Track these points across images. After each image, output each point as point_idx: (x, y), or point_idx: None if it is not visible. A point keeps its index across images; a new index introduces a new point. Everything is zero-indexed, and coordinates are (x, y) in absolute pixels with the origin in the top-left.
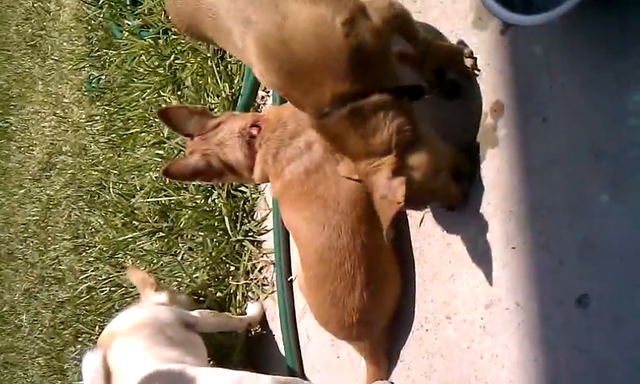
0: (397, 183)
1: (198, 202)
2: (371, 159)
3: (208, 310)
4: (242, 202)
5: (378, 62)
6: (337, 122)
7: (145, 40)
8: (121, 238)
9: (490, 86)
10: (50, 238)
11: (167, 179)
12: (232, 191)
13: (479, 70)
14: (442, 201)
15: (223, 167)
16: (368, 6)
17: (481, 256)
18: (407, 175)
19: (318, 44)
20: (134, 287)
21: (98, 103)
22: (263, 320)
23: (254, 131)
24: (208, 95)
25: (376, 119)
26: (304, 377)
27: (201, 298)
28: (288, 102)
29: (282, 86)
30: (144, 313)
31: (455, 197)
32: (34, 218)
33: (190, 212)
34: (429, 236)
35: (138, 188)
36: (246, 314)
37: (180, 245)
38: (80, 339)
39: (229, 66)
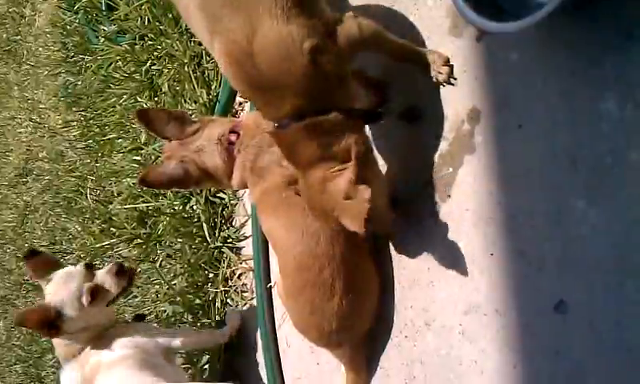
0: (362, 187)
1: (176, 208)
2: (330, 164)
3: (189, 329)
4: (220, 209)
5: (337, 86)
6: (294, 132)
7: (121, 46)
8: (98, 245)
9: (467, 92)
10: (27, 245)
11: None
12: (210, 198)
13: (455, 79)
14: (379, 225)
15: (201, 174)
16: (338, 31)
17: (459, 262)
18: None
19: (283, 64)
20: None
21: (74, 109)
22: (242, 327)
23: (233, 138)
24: (185, 101)
25: (334, 131)
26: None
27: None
28: None
29: (245, 92)
30: (127, 343)
31: (390, 223)
32: (11, 224)
33: (168, 218)
34: (407, 242)
35: (116, 194)
36: (224, 321)
37: (158, 251)
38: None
39: (206, 71)
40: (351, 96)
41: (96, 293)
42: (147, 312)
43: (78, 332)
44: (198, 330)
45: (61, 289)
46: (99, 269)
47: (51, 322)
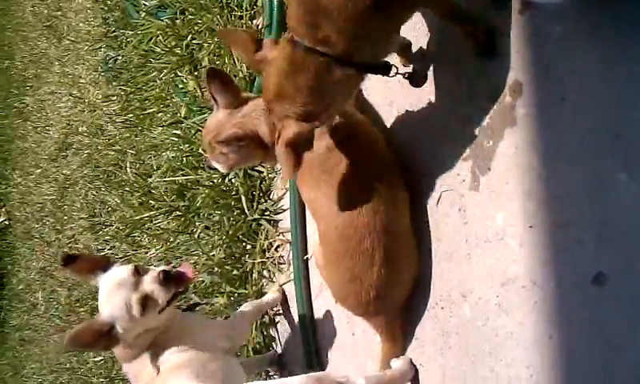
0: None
1: (215, 181)
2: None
3: (244, 306)
4: (258, 182)
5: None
6: (302, 54)
7: (162, 20)
8: (137, 217)
9: (509, 65)
10: (66, 218)
11: (184, 159)
12: (249, 171)
13: (496, 50)
14: None
15: (251, 138)
16: None
17: (497, 235)
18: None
19: None
20: (150, 266)
21: (114, 84)
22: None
23: None
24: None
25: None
26: (319, 356)
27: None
28: None
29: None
30: (185, 352)
31: None
32: (51, 198)
33: (207, 191)
34: (445, 215)
35: (155, 168)
36: (262, 293)
37: (197, 224)
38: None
39: None
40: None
41: (146, 303)
42: None
43: (134, 340)
44: (251, 302)
45: (110, 300)
46: (149, 266)
47: (106, 336)
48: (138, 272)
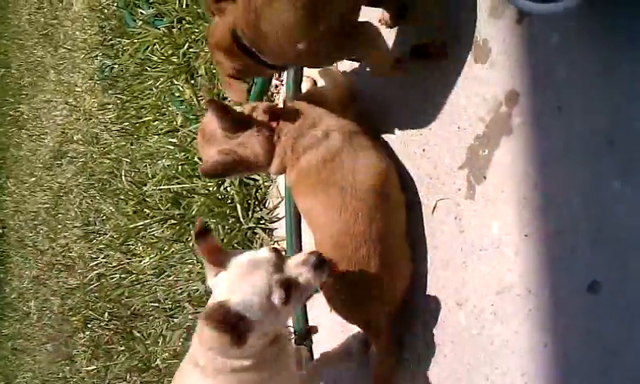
0: None
1: (211, 189)
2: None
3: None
4: (254, 190)
5: None
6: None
7: (158, 29)
8: (132, 226)
9: (505, 74)
10: (60, 226)
11: (180, 167)
12: (244, 179)
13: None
14: None
15: (241, 165)
16: None
17: (493, 243)
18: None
19: None
20: (144, 274)
21: (110, 92)
22: None
23: (273, 124)
24: (222, 84)
25: None
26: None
27: None
28: (304, 94)
29: None
30: None
31: None
32: (45, 206)
33: (202, 199)
34: (441, 223)
35: (150, 176)
36: None
37: (191, 232)
38: (89, 325)
39: None
40: None
41: (290, 289)
42: (180, 291)
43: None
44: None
45: (245, 283)
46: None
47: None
48: (280, 254)
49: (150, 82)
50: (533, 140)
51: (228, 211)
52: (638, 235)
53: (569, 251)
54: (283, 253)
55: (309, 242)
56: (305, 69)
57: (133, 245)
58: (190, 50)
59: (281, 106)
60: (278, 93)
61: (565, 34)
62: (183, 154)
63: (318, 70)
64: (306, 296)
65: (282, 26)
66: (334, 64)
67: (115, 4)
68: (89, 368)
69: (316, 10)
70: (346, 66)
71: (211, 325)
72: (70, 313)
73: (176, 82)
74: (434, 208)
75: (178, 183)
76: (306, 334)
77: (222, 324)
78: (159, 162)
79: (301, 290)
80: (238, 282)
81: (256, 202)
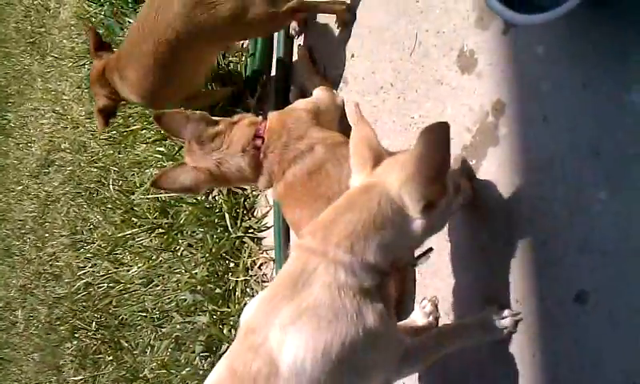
0: None
1: (199, 198)
2: None
3: None
4: (242, 199)
5: None
6: None
7: None
8: (120, 234)
9: (492, 85)
10: (47, 235)
11: None
12: (232, 189)
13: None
14: None
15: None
16: None
17: (480, 252)
18: None
19: None
20: (132, 283)
21: None
22: None
23: (258, 143)
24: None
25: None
26: None
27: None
28: (289, 107)
29: None
30: None
31: None
32: (32, 215)
33: (190, 208)
34: None
35: (138, 185)
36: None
37: (180, 241)
38: (76, 335)
39: (231, 64)
40: None
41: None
42: (168, 300)
43: None
44: None
45: None
46: None
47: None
48: None
49: None
50: (519, 150)
51: (216, 220)
52: (624, 246)
53: (556, 261)
54: (272, 263)
55: None
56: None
57: (120, 254)
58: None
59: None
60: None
61: (550, 45)
62: (171, 162)
63: (306, 81)
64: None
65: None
66: (323, 75)
67: (102, 13)
68: (76, 378)
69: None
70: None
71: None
72: (58, 322)
73: None
74: None
75: (166, 192)
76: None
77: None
78: (147, 170)
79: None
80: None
81: (244, 211)
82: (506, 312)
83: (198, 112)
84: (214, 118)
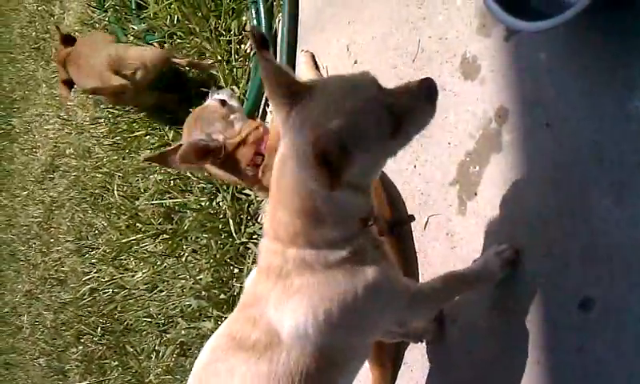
0: None
1: (203, 204)
2: None
3: None
4: (246, 205)
5: None
6: None
7: (150, 44)
8: (124, 240)
9: (495, 91)
10: (52, 240)
11: (172, 182)
12: (236, 194)
13: None
14: None
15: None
16: None
17: None
18: None
19: None
20: (137, 289)
21: (102, 106)
22: None
23: (258, 161)
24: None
25: None
26: None
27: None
28: None
29: None
30: None
31: None
32: (37, 220)
33: (194, 214)
34: (433, 239)
35: (142, 190)
36: None
37: (184, 247)
38: (82, 340)
39: (235, 69)
40: None
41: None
42: (173, 306)
43: None
44: None
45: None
46: None
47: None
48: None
49: None
50: (522, 157)
51: (220, 226)
52: (628, 252)
53: (560, 268)
54: None
55: None
56: None
57: (125, 259)
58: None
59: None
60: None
61: (553, 52)
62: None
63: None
64: (414, 133)
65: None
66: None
67: (107, 19)
68: (82, 383)
69: None
70: None
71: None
72: (63, 327)
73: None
74: (426, 224)
75: (170, 198)
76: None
77: (319, 148)
78: (151, 176)
79: (411, 124)
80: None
81: (248, 217)
82: (505, 245)
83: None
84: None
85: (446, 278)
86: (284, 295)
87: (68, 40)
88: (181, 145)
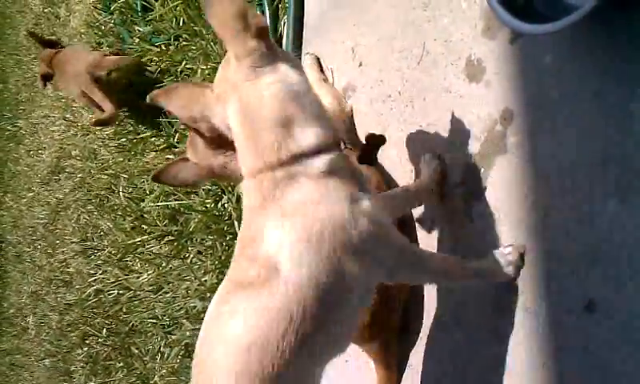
0: None
1: (208, 206)
2: None
3: None
4: None
5: None
6: None
7: (156, 46)
8: (130, 242)
9: (500, 93)
10: (58, 241)
11: None
12: (241, 196)
13: None
14: None
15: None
16: None
17: None
18: None
19: None
20: (142, 290)
21: None
22: None
23: None
24: None
25: None
26: None
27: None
28: None
29: None
30: None
31: None
32: (43, 221)
33: (199, 216)
34: (438, 242)
35: (148, 192)
36: None
37: (189, 248)
38: (87, 341)
39: None
40: None
41: None
42: (178, 307)
43: None
44: None
45: None
46: None
47: None
48: None
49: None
50: (527, 159)
51: (225, 228)
52: (634, 254)
53: (565, 271)
54: None
55: None
56: None
57: (131, 261)
58: (187, 67)
59: None
60: None
61: (558, 55)
62: None
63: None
64: None
65: None
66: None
67: (112, 21)
68: None
69: None
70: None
71: None
72: (68, 328)
73: None
74: (431, 226)
75: (176, 200)
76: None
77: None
78: None
79: None
80: None
81: None
82: (510, 248)
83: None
84: None
85: (447, 259)
86: (278, 222)
87: (48, 44)
88: (184, 158)
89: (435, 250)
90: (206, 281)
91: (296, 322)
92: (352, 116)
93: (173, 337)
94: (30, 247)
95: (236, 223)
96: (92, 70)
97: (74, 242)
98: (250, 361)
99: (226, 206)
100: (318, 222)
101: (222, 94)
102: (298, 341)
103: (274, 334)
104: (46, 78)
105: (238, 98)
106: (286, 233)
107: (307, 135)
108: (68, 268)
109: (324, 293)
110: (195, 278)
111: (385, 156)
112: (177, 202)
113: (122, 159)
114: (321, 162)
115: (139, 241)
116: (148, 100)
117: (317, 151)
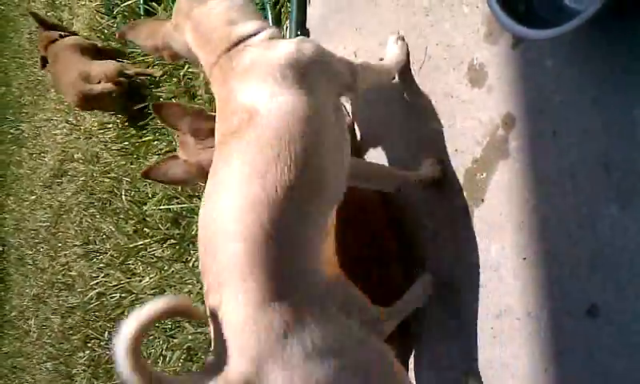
0: None
1: None
2: None
3: None
4: None
5: None
6: None
7: None
8: (132, 245)
9: (502, 98)
10: (60, 244)
11: (180, 187)
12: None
13: None
14: None
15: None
16: None
17: (492, 266)
18: None
19: None
20: (144, 294)
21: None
22: None
23: None
24: None
25: None
26: None
27: None
28: None
29: None
30: None
31: None
32: (45, 224)
33: None
34: (440, 247)
35: (150, 195)
36: None
37: (191, 252)
38: (89, 345)
39: None
40: None
41: None
42: None
43: None
44: None
45: None
46: None
47: None
48: None
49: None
50: (529, 164)
51: None
52: (636, 259)
53: (567, 275)
54: None
55: None
56: None
57: (133, 264)
58: (189, 70)
59: None
60: None
61: (560, 60)
62: None
63: None
64: None
65: None
66: None
67: (115, 25)
68: None
69: None
70: None
71: None
72: (70, 331)
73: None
74: (434, 230)
75: (178, 203)
76: None
77: None
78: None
79: None
80: None
81: None
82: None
83: (197, 107)
84: (211, 113)
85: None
86: (242, 77)
87: (48, 26)
88: (174, 156)
89: (437, 259)
90: None
91: (282, 149)
92: (351, 123)
93: (175, 340)
94: (32, 250)
95: None
96: (82, 87)
97: (76, 245)
98: (251, 191)
99: None
100: (274, 61)
101: (179, 22)
102: (288, 172)
103: (265, 159)
104: (45, 60)
105: (191, 20)
106: (252, 81)
107: (248, 25)
108: (70, 271)
109: (300, 120)
110: (197, 282)
111: (386, 159)
112: (179, 206)
113: (124, 162)
114: (262, 35)
115: (141, 244)
116: (117, 36)
117: (257, 32)
